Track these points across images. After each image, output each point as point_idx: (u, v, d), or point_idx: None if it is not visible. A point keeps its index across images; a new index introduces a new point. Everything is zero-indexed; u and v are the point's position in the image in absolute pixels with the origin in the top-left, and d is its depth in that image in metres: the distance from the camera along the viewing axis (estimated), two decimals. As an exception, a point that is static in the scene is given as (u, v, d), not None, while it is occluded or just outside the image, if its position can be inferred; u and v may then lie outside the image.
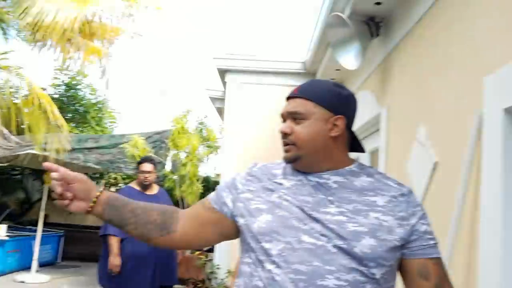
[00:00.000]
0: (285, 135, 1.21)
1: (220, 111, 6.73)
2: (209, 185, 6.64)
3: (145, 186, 3.86)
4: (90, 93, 10.70)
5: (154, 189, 3.93)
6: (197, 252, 4.99)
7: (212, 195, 1.31)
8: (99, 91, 10.64)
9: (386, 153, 3.02)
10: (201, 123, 5.26)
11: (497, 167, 1.44)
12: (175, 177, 5.26)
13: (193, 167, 4.94)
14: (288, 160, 1.21)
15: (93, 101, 10.62)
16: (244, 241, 1.20)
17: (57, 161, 6.51)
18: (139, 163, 3.93)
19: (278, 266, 1.09)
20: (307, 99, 1.20)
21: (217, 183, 7.99)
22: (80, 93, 10.54)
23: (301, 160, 1.19)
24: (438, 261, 1.14)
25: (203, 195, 6.23)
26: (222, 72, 5.46)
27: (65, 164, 7.13)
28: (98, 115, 10.62)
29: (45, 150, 6.08)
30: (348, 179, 1.18)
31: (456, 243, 1.70)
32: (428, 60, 2.30)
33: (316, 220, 1.11)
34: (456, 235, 1.68)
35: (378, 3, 2.89)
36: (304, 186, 1.18)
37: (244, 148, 5.01)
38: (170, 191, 7.40)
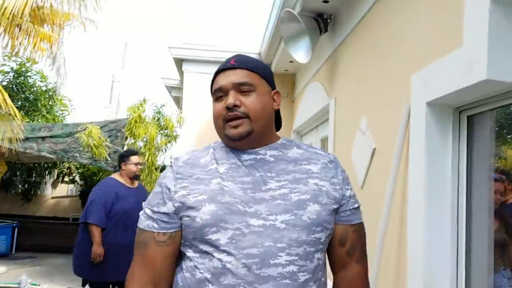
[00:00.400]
0: (233, 107, 1.11)
1: (177, 100, 6.79)
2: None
3: (134, 178, 3.90)
4: (40, 80, 10.34)
5: (135, 183, 3.97)
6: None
7: (150, 225, 1.13)
8: (49, 79, 10.31)
9: (334, 141, 3.26)
10: (158, 112, 5.30)
11: (421, 152, 1.68)
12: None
13: (151, 156, 5.00)
14: (238, 136, 1.12)
15: (44, 88, 10.28)
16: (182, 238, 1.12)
17: (10, 151, 6.36)
18: (126, 156, 3.91)
19: (229, 254, 1.03)
20: (252, 71, 1.15)
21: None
22: (30, 80, 10.16)
23: (253, 134, 1.13)
24: (357, 227, 1.18)
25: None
26: (179, 62, 5.52)
27: (19, 154, 6.97)
28: (49, 103, 10.31)
29: (-4, 139, 5.91)
30: (282, 152, 1.18)
31: (389, 221, 1.94)
32: (369, 57, 2.53)
33: (260, 200, 1.08)
34: (388, 214, 1.93)
35: (325, 1, 3.10)
36: (239, 168, 1.13)
37: (202, 137, 5.14)
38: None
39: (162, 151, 5.18)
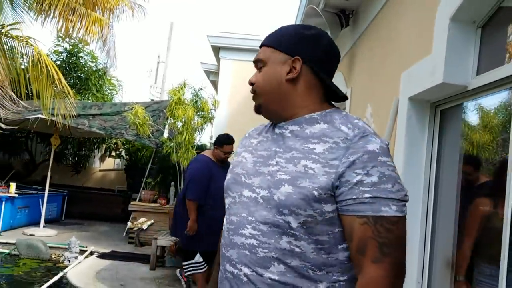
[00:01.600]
0: (251, 84, 1.19)
1: (214, 84, 7.23)
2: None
3: (221, 161, 4.14)
4: (91, 61, 11.07)
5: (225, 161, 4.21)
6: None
7: None
8: (100, 59, 11.02)
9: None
10: (196, 95, 5.75)
11: (402, 139, 2.00)
12: (171, 144, 5.79)
13: (189, 135, 5.46)
14: (255, 110, 1.21)
15: (94, 68, 11.01)
16: None
17: (64, 126, 7.04)
18: (220, 142, 4.09)
19: (226, 219, 1.20)
20: (267, 45, 1.17)
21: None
22: (82, 60, 10.91)
23: (262, 108, 1.18)
24: (369, 220, 0.98)
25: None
26: (216, 49, 5.94)
27: (71, 129, 7.68)
28: (99, 82, 11.04)
29: (52, 115, 6.58)
30: (302, 127, 1.11)
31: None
32: (376, 52, 2.82)
33: (260, 173, 1.12)
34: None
35: (347, -1, 3.39)
36: (266, 142, 1.18)
37: (234, 119, 5.57)
38: (167, 156, 7.99)
39: (198, 131, 5.63)
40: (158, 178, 8.06)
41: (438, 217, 1.91)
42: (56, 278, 4.78)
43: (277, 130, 1.16)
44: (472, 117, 1.83)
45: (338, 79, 4.09)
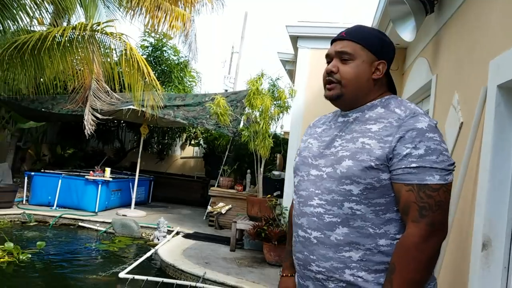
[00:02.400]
0: (330, 73, 1.30)
1: (290, 73, 7.34)
2: (277, 141, 7.37)
3: None
4: (173, 55, 11.71)
5: None
6: (269, 196, 5.83)
7: None
8: (181, 53, 11.61)
9: (433, 115, 3.52)
10: (273, 85, 5.90)
11: (491, 127, 1.99)
12: (248, 133, 6.00)
13: (266, 124, 5.63)
14: (330, 97, 1.33)
15: (176, 62, 11.63)
16: None
17: (152, 116, 7.59)
18: None
19: (295, 193, 1.39)
20: (356, 42, 1.29)
21: (285, 140, 8.75)
22: (165, 54, 11.57)
23: (343, 98, 1.31)
24: (414, 187, 1.15)
25: (273, 150, 6.99)
26: (294, 38, 6.03)
27: (157, 119, 8.25)
28: (181, 74, 11.66)
29: (142, 106, 7.13)
30: (364, 112, 1.31)
31: (464, 181, 2.28)
32: (464, 39, 2.77)
33: (324, 155, 1.31)
34: (464, 176, 2.27)
35: (431, -15, 3.32)
36: (330, 128, 1.38)
37: (311, 108, 5.65)
38: (243, 145, 8.28)
39: (275, 120, 5.78)
40: (235, 165, 8.42)
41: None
42: (149, 253, 5.26)
43: (341, 119, 1.35)
44: None
45: (423, 66, 4.02)
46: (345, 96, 1.30)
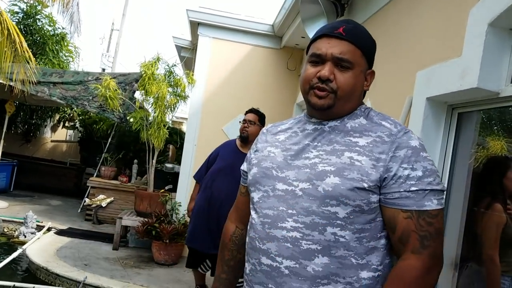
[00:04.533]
0: (326, 80, 1.10)
1: (186, 60, 6.99)
2: (173, 131, 6.99)
3: (243, 139, 3.54)
4: (48, 25, 10.37)
5: (246, 147, 3.53)
6: (162, 190, 5.45)
7: (242, 180, 1.36)
8: (58, 24, 10.35)
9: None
10: (169, 72, 5.53)
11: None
12: (139, 120, 5.55)
13: (161, 113, 5.26)
14: (320, 107, 1.12)
15: (52, 33, 10.33)
16: None
17: (22, 92, 6.57)
18: (246, 112, 3.65)
19: (255, 211, 1.18)
20: (357, 46, 1.11)
21: (175, 130, 8.36)
22: (38, 23, 10.19)
23: (333, 108, 1.12)
24: (413, 214, 1.03)
25: (168, 141, 6.60)
26: (195, 25, 5.71)
27: (26, 96, 7.18)
28: (56, 47, 10.40)
29: (10, 80, 6.11)
30: (343, 122, 1.14)
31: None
32: (379, 48, 2.82)
33: (294, 167, 1.13)
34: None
35: (345, -12, 3.35)
36: (296, 137, 1.19)
37: (210, 99, 5.42)
38: (128, 132, 7.68)
39: (171, 109, 5.44)
40: (120, 154, 7.77)
41: (446, 216, 1.96)
42: (15, 254, 4.49)
43: (310, 126, 1.17)
44: (492, 123, 1.87)
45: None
46: (336, 107, 1.12)
